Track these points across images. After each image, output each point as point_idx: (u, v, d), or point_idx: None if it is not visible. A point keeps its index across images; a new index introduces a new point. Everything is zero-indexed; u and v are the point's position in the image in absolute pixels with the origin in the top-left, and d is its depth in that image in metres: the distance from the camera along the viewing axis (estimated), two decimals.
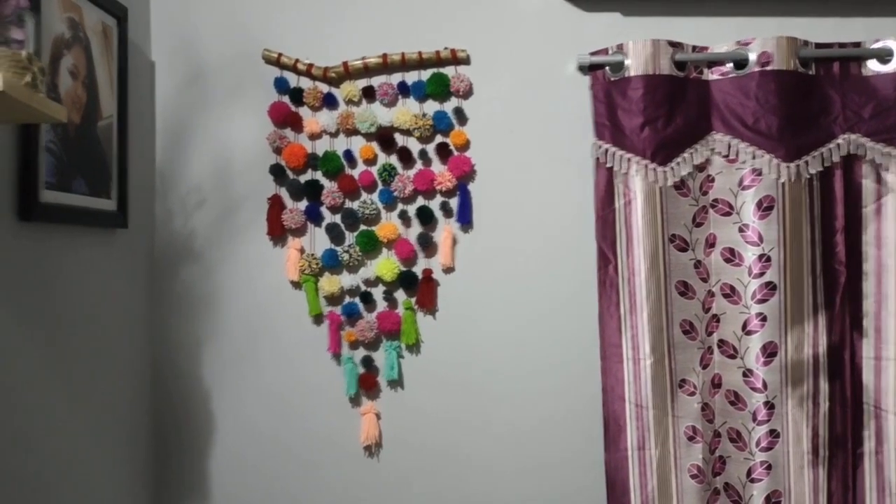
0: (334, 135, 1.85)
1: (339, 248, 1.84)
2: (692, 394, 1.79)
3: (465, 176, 1.84)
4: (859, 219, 1.79)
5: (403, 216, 1.85)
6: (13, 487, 1.27)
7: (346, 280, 1.84)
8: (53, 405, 1.40)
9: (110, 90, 1.59)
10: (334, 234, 1.84)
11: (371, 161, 1.84)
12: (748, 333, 1.76)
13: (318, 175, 1.85)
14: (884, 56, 1.75)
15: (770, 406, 1.74)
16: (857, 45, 1.78)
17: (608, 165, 1.78)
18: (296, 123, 1.84)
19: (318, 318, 1.86)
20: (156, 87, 1.85)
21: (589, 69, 1.81)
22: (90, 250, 1.55)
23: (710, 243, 1.81)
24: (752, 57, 1.75)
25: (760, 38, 1.75)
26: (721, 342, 1.80)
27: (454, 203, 1.85)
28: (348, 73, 1.83)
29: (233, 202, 1.85)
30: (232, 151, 1.85)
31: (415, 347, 1.86)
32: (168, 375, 1.85)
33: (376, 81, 1.84)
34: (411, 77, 1.84)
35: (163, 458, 1.84)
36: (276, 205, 1.84)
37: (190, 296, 1.85)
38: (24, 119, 1.13)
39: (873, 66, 1.77)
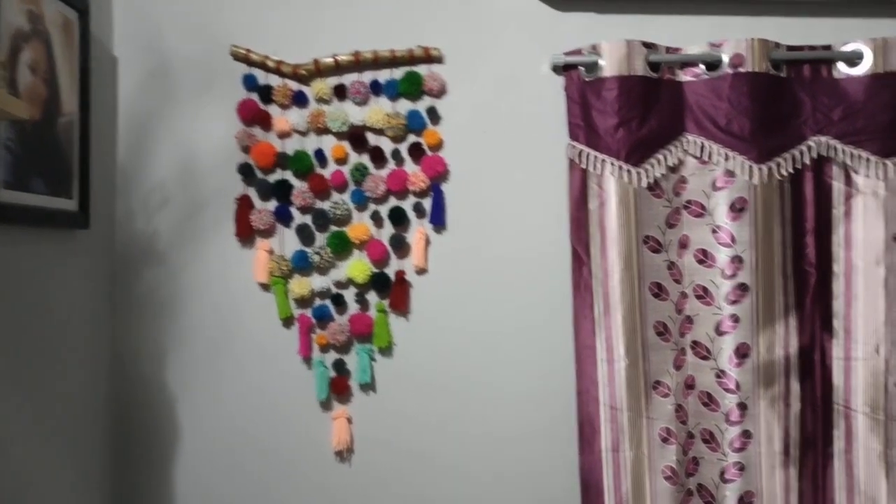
0: (304, 133, 1.81)
1: (309, 250, 1.80)
2: (666, 395, 1.78)
3: (439, 176, 1.81)
4: (829, 220, 1.80)
5: (375, 217, 1.81)
6: None
7: (317, 282, 1.80)
8: (8, 411, 1.34)
9: (71, 86, 1.53)
10: (304, 235, 1.80)
11: (342, 160, 1.81)
12: (721, 334, 1.76)
13: (288, 174, 1.80)
14: (854, 59, 1.77)
15: (743, 407, 1.75)
16: (828, 47, 1.79)
17: (582, 166, 1.77)
18: (265, 121, 1.80)
19: (287, 321, 1.81)
20: (118, 83, 1.78)
21: (563, 69, 1.80)
22: (50, 252, 1.49)
23: (683, 244, 1.81)
24: (725, 59, 1.75)
25: (733, 40, 1.75)
26: (694, 343, 1.80)
27: (427, 203, 1.82)
28: (319, 71, 1.79)
29: (199, 202, 1.80)
30: (198, 150, 1.80)
31: (387, 350, 1.83)
32: (131, 381, 1.79)
33: (348, 79, 1.80)
34: (383, 75, 1.81)
35: (124, 466, 1.78)
36: (244, 205, 1.79)
37: (153, 299, 1.79)
38: None
39: (843, 68, 1.79)
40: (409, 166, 1.81)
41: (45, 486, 1.46)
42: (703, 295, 1.78)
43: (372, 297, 1.82)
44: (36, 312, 1.43)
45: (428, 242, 1.83)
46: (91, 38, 1.60)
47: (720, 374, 1.76)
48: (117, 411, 1.78)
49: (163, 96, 1.79)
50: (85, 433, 1.64)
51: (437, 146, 1.81)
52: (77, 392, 1.60)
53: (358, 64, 1.79)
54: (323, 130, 1.80)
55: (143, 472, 1.79)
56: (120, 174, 1.78)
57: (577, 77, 1.79)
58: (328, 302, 1.81)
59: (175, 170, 1.79)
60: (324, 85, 1.79)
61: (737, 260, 1.74)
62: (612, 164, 1.75)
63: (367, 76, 1.81)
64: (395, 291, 1.81)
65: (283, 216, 1.80)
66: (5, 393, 1.33)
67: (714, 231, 1.77)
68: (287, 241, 1.81)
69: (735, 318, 1.74)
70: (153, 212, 1.78)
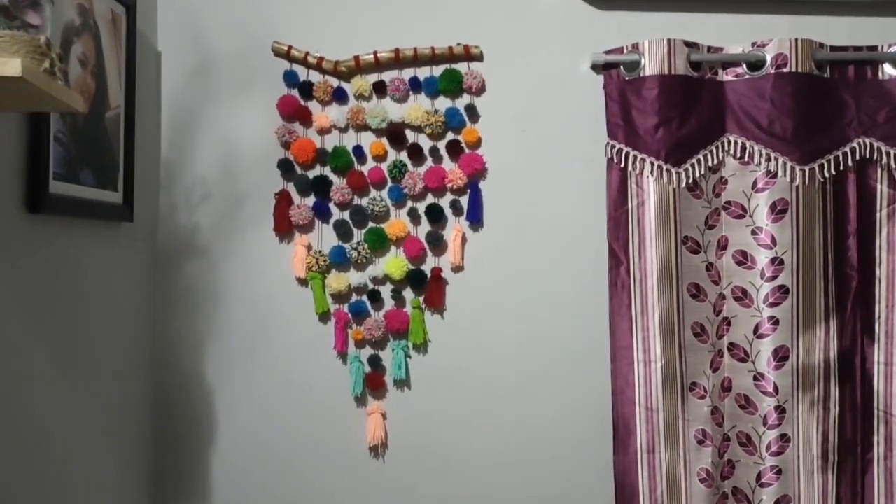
0: (344, 130, 1.82)
1: (347, 246, 1.81)
2: (702, 397, 1.77)
3: (477, 174, 1.81)
4: (872, 223, 1.78)
5: (413, 214, 1.82)
6: (10, 486, 1.22)
7: (354, 278, 1.81)
8: (54, 399, 1.36)
9: (118, 80, 1.56)
10: (342, 230, 1.81)
11: (381, 157, 1.82)
12: (760, 337, 1.75)
13: (327, 171, 1.82)
14: None
15: (781, 410, 1.73)
16: (873, 48, 1.77)
17: (621, 166, 1.77)
18: (305, 118, 1.81)
19: (324, 316, 1.82)
20: (162, 78, 1.81)
21: (603, 68, 1.79)
22: (95, 243, 1.51)
23: (722, 245, 1.79)
24: (768, 58, 1.74)
25: (776, 40, 1.73)
26: (731, 345, 1.78)
27: (464, 201, 1.82)
28: (359, 68, 1.80)
29: (239, 197, 1.82)
30: (239, 145, 1.81)
31: (422, 347, 1.83)
32: (170, 371, 1.81)
33: (387, 76, 1.81)
34: (423, 73, 1.81)
35: (164, 456, 1.81)
36: (283, 200, 1.81)
37: (193, 292, 1.81)
38: (40, 107, 1.09)
39: (889, 70, 1.76)
40: (447, 163, 1.82)
41: (88, 469, 1.48)
42: (742, 297, 1.77)
43: (408, 293, 1.83)
44: (81, 302, 1.45)
45: (464, 240, 1.83)
46: (136, 32, 1.62)
47: (758, 376, 1.75)
48: (157, 400, 1.80)
49: (205, 91, 1.81)
50: (127, 420, 1.66)
51: (476, 144, 1.82)
52: (119, 380, 1.62)
53: (398, 61, 1.80)
54: (362, 127, 1.81)
55: (181, 460, 1.81)
56: (163, 168, 1.81)
57: (617, 76, 1.78)
58: (364, 298, 1.82)
59: (216, 165, 1.81)
60: (364, 82, 1.80)
61: (777, 262, 1.72)
62: (652, 163, 1.74)
63: (407, 73, 1.81)
64: (430, 288, 1.82)
65: (321, 212, 1.81)
66: (51, 380, 1.35)
67: (754, 232, 1.75)
68: (325, 237, 1.82)
69: (774, 321, 1.73)
70: (195, 206, 1.80)
